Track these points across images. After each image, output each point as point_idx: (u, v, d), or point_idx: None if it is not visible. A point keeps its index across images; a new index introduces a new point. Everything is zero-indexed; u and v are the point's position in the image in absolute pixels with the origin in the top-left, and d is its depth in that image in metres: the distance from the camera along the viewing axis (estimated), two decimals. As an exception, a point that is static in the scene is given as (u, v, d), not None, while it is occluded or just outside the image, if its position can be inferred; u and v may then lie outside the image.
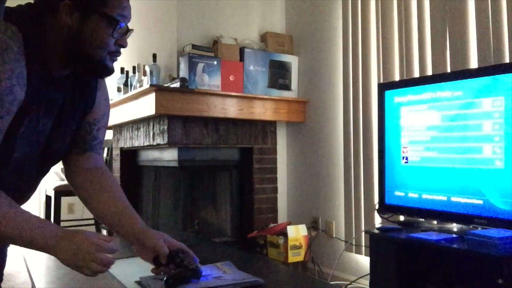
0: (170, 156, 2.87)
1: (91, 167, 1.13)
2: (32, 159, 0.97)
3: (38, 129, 0.95)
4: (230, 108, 2.75)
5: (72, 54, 0.94)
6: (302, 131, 3.09)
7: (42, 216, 4.02)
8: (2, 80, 0.84)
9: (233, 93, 2.75)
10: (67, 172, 1.15)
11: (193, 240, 1.55)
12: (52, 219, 3.73)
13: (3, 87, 0.84)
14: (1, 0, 0.56)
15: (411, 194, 2.00)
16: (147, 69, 2.81)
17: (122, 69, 3.33)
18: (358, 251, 2.52)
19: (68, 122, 1.04)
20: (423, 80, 2.02)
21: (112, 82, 3.22)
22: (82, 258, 0.85)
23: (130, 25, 1.00)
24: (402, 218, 2.17)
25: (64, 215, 3.94)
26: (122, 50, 1.00)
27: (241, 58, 2.87)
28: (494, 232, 1.54)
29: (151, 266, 1.06)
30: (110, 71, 0.99)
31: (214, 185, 3.21)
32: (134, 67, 3.18)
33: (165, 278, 1.03)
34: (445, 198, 1.85)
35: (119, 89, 3.29)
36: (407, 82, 2.08)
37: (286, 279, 1.17)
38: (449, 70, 2.08)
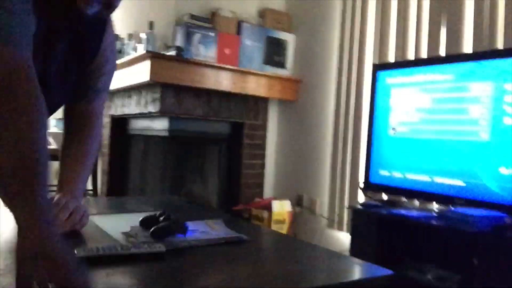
0: (160, 125, 2.87)
1: (79, 118, 1.14)
2: None
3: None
4: (223, 81, 2.76)
5: None
6: (293, 109, 3.11)
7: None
8: (20, 13, 0.79)
9: (228, 66, 2.75)
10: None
11: (182, 203, 1.57)
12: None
13: (23, 19, 0.80)
14: None
15: (395, 174, 2.05)
16: (143, 36, 2.80)
17: (116, 36, 3.30)
18: (340, 228, 2.58)
19: (69, 71, 1.04)
20: (416, 62, 2.05)
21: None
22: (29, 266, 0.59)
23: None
24: (386, 198, 2.22)
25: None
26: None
27: (238, 32, 2.87)
28: (474, 211, 1.60)
29: (138, 220, 1.08)
30: (80, 8, 0.87)
31: (203, 157, 3.24)
32: (129, 35, 3.15)
33: (151, 230, 1.05)
34: (428, 179, 1.90)
35: (113, 56, 3.26)
36: (400, 64, 2.12)
37: (270, 237, 1.21)
38: (443, 54, 2.11)
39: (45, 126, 0.75)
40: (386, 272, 0.79)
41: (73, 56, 1.04)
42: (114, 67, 1.17)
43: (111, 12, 1.00)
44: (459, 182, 1.78)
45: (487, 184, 1.68)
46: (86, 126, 1.15)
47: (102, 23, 1.07)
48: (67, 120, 1.16)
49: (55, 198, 1.01)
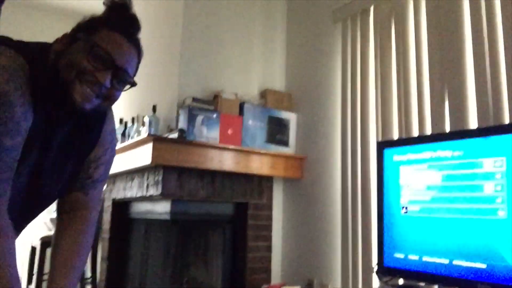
0: (162, 208, 2.79)
1: (73, 209, 1.08)
2: (16, 195, 0.92)
3: (26, 167, 0.91)
4: (227, 161, 2.72)
5: (50, 78, 0.88)
6: (299, 188, 3.04)
7: (25, 267, 3.84)
8: (17, 105, 0.81)
9: (231, 146, 2.73)
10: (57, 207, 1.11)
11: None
12: (35, 271, 3.56)
13: (19, 112, 0.82)
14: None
15: (411, 257, 1.92)
16: (146, 120, 2.81)
17: (121, 120, 3.34)
18: (355, 317, 2.38)
19: (66, 162, 1.00)
20: (423, 139, 2.01)
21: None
22: None
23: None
24: (401, 281, 2.07)
25: (48, 268, 3.76)
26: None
27: (241, 113, 2.89)
28: (501, 299, 1.45)
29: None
30: (77, 104, 0.88)
31: (206, 241, 3.10)
32: (133, 118, 3.18)
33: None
34: (447, 262, 1.77)
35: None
36: (407, 141, 2.07)
37: None
38: (448, 129, 2.08)
39: (8, 250, 0.84)
40: None
41: (71, 147, 1.01)
42: (113, 157, 1.14)
43: (111, 105, 0.98)
44: (480, 265, 1.65)
45: (512, 266, 1.55)
46: (81, 219, 1.08)
47: (102, 114, 1.05)
48: (62, 210, 1.10)
49: None
